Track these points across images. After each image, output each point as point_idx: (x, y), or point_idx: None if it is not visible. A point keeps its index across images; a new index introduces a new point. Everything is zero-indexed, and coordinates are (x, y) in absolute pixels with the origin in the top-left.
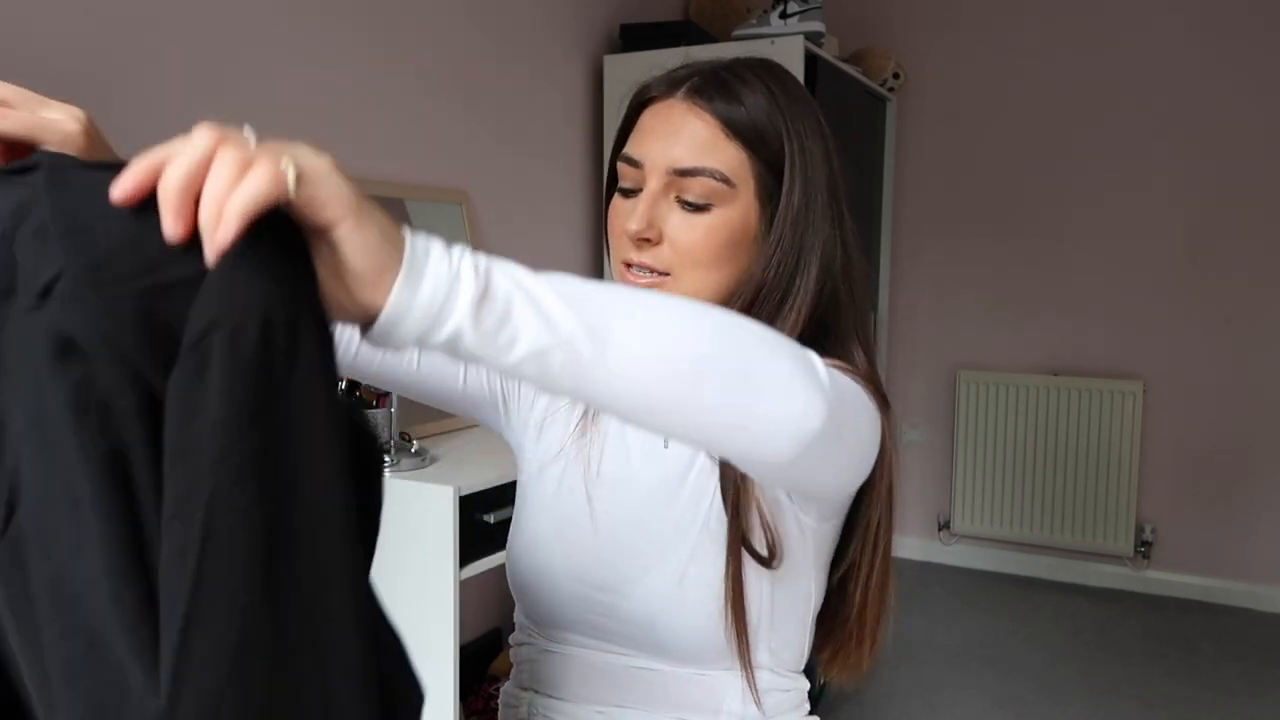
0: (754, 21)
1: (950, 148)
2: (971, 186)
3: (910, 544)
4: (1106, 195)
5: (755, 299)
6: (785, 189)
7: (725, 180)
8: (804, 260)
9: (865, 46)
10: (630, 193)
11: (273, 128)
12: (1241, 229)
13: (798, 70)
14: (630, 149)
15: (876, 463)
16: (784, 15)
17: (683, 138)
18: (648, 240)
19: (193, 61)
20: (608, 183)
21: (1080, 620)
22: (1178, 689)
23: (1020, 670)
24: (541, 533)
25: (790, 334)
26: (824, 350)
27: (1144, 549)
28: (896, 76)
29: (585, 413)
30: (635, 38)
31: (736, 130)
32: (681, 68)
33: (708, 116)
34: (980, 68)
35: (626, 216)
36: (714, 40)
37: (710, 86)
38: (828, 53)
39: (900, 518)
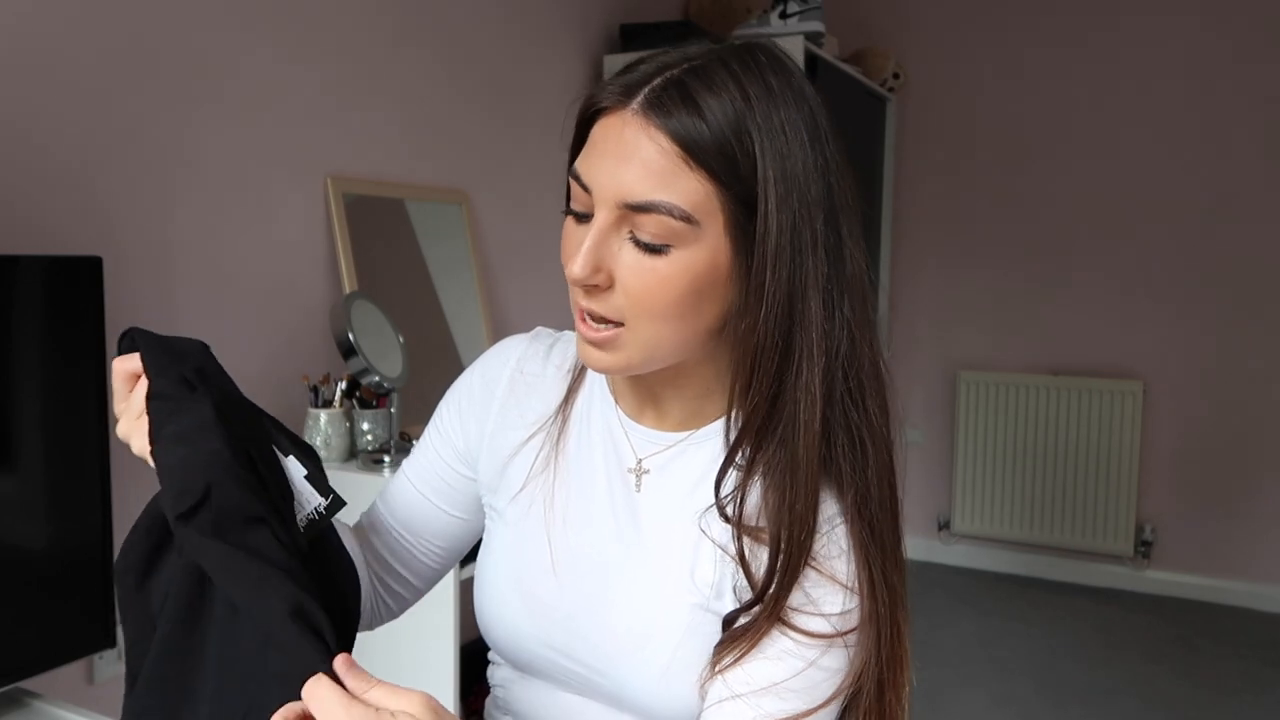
0: (754, 21)
1: (950, 148)
2: (971, 186)
3: (910, 544)
4: (1106, 195)
5: (752, 374)
6: (761, 224)
7: (686, 218)
8: (797, 309)
9: (865, 46)
10: (580, 217)
11: (273, 127)
12: (1241, 229)
13: None
14: (580, 167)
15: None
16: (784, 15)
17: (634, 164)
18: (596, 286)
19: (193, 59)
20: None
21: (1080, 620)
22: (1178, 688)
23: (1020, 670)
24: (502, 583)
25: (800, 421)
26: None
27: (1144, 549)
28: (896, 76)
29: (551, 438)
30: (635, 38)
31: (698, 156)
32: (639, 63)
33: (663, 140)
34: (980, 68)
35: (572, 252)
36: (714, 41)
37: (669, 98)
38: (828, 53)
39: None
